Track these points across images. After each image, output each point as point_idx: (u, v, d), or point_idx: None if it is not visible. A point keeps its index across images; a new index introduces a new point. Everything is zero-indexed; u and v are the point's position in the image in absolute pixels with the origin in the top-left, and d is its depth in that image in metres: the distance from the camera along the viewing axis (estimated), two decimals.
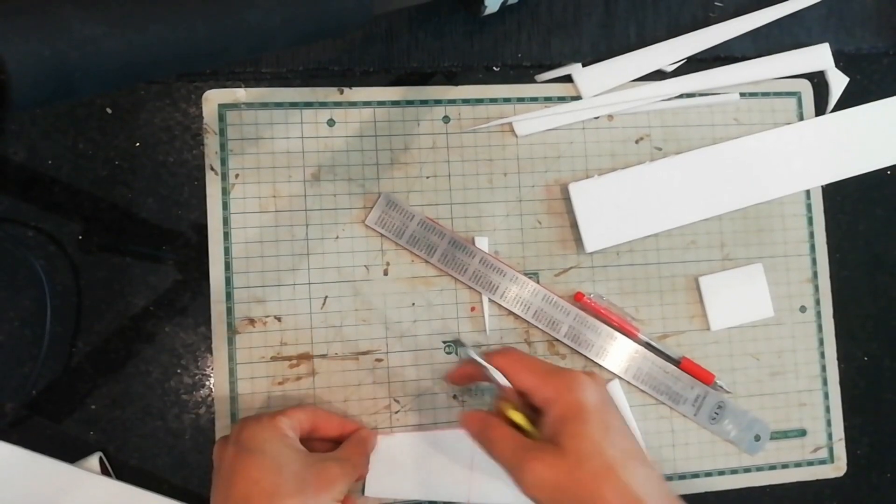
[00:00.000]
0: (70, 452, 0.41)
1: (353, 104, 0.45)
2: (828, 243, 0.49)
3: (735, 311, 0.47)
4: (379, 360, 0.44)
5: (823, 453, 0.48)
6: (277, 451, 0.36)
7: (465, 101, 0.46)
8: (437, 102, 0.46)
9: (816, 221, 0.49)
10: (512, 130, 0.46)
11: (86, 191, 0.43)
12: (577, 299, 0.46)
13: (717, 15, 0.48)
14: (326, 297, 0.44)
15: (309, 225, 0.44)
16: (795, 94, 0.49)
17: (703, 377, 0.46)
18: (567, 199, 0.46)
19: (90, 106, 0.43)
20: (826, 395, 0.49)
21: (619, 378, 0.46)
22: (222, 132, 0.44)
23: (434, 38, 0.45)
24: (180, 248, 0.43)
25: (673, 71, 0.48)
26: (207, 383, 0.43)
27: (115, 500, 0.40)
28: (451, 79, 0.46)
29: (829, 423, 0.48)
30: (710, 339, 0.47)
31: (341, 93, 0.45)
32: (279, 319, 0.43)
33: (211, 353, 0.43)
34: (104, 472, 0.41)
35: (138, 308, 0.43)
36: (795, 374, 0.48)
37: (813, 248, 0.49)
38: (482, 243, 0.45)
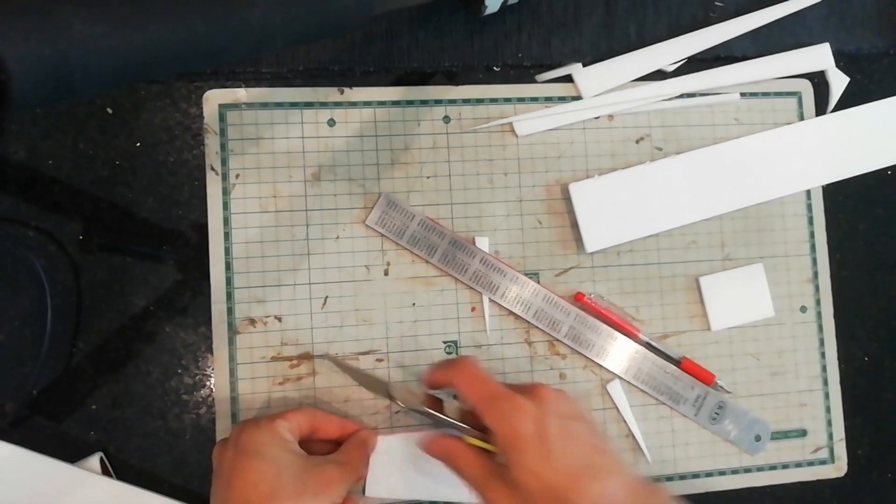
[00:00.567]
0: (70, 452, 0.41)
1: (353, 104, 0.45)
2: (828, 243, 0.49)
3: (735, 311, 0.47)
4: (379, 360, 0.44)
5: (824, 453, 0.48)
6: (276, 455, 0.37)
7: (466, 101, 0.46)
8: (438, 102, 0.46)
9: (817, 221, 0.49)
10: (512, 130, 0.46)
11: (86, 191, 0.43)
12: (578, 299, 0.46)
13: (718, 15, 0.48)
14: (327, 297, 0.44)
15: (309, 225, 0.44)
16: (796, 94, 0.49)
17: (704, 377, 0.46)
18: (567, 199, 0.46)
19: (91, 106, 0.43)
20: (826, 396, 0.49)
21: (620, 378, 0.46)
22: (223, 132, 0.44)
23: (434, 37, 0.45)
24: (181, 248, 0.43)
25: (673, 71, 0.48)
26: (208, 383, 0.43)
27: (116, 500, 0.40)
28: (452, 79, 0.46)
29: (829, 424, 0.48)
30: (711, 339, 0.47)
31: (342, 93, 0.45)
32: (280, 319, 0.43)
33: (211, 353, 0.43)
34: (105, 472, 0.41)
35: (139, 308, 0.43)
36: (796, 375, 0.48)
37: (813, 247, 0.49)
38: (482, 243, 0.45)
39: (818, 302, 0.49)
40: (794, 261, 0.49)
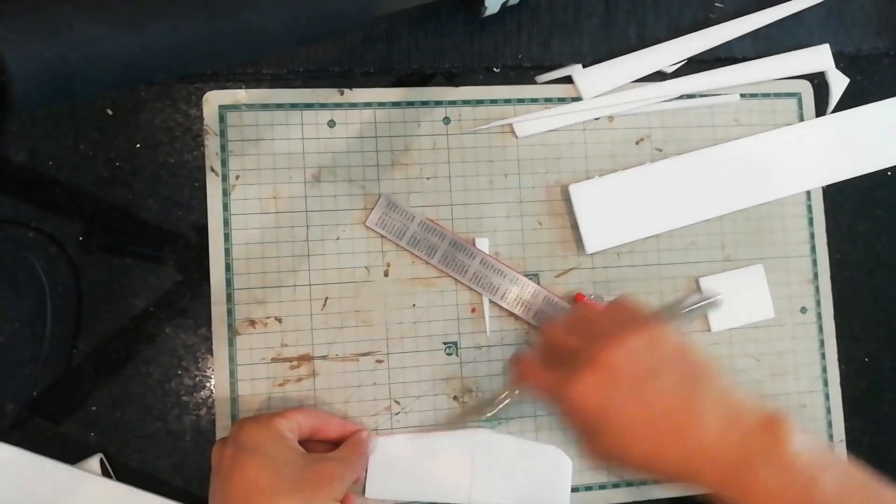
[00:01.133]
0: (70, 454, 0.41)
1: (353, 105, 0.45)
2: (828, 244, 0.49)
3: (736, 312, 0.47)
4: (379, 362, 0.44)
5: None
6: (275, 451, 0.36)
7: (466, 103, 0.46)
8: (438, 103, 0.46)
9: (817, 222, 0.49)
10: (512, 131, 0.46)
11: (86, 192, 0.43)
12: (578, 300, 0.46)
13: (718, 16, 0.48)
14: (327, 298, 0.44)
15: (309, 226, 0.44)
16: (796, 95, 0.49)
17: None
18: (567, 200, 0.46)
19: (91, 107, 0.43)
20: (827, 397, 0.48)
21: None
22: (223, 133, 0.44)
23: (434, 39, 0.45)
24: (181, 249, 0.43)
25: (673, 72, 0.48)
26: (208, 384, 0.43)
27: (116, 501, 0.40)
28: (452, 80, 0.46)
29: (829, 425, 0.48)
30: (711, 339, 0.47)
31: (342, 94, 0.45)
32: (280, 320, 0.43)
33: (211, 354, 0.43)
34: (105, 473, 0.41)
35: (139, 309, 0.43)
36: (796, 376, 0.48)
37: (813, 248, 0.49)
38: (483, 244, 0.45)
39: (818, 303, 0.49)
40: (794, 262, 0.49)
